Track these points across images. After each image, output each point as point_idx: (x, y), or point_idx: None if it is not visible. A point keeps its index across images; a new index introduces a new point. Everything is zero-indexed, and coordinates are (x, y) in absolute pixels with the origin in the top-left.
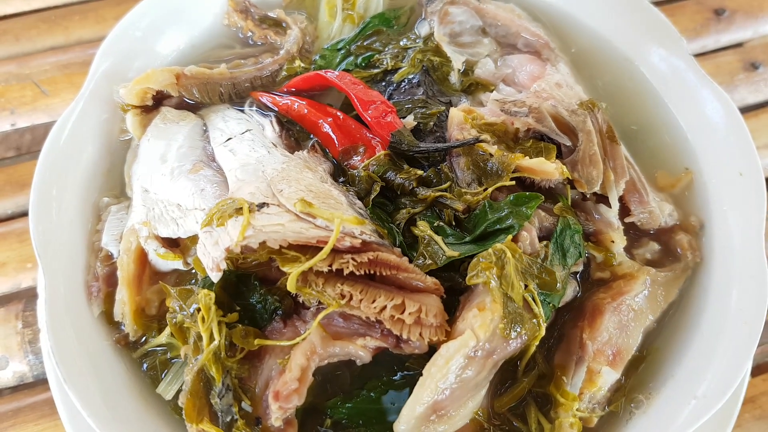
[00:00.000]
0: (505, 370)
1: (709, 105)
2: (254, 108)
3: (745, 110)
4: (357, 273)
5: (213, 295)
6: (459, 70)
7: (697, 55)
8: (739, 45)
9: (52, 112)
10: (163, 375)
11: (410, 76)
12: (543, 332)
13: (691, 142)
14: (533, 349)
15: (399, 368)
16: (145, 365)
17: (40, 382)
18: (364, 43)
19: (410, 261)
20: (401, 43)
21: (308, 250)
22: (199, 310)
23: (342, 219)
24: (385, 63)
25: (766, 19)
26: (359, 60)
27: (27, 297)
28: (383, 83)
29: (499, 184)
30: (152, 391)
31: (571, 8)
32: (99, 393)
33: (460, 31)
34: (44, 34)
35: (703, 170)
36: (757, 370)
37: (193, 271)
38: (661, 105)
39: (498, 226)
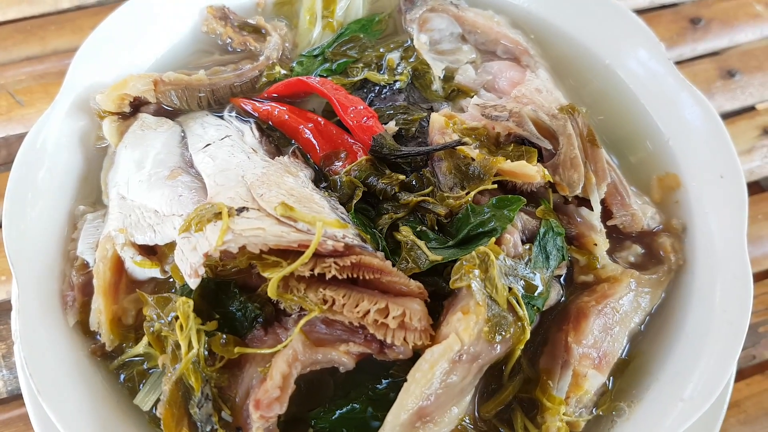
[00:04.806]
0: (491, 375)
1: (689, 109)
2: (234, 114)
3: (723, 117)
4: (339, 277)
5: (191, 302)
6: (439, 77)
7: (674, 64)
8: (715, 53)
9: (27, 123)
10: (141, 386)
11: (391, 83)
12: (528, 335)
13: (672, 146)
14: (518, 353)
15: (383, 376)
16: (122, 376)
17: (15, 398)
18: (340, 50)
19: (393, 266)
20: (380, 50)
21: (289, 254)
22: (177, 318)
23: (324, 222)
24: (363, 71)
25: (742, 28)
26: (334, 66)
27: (0, 311)
28: (364, 90)
29: (481, 188)
30: (130, 403)
31: (549, 15)
32: (74, 405)
33: (440, 38)
34: (20, 45)
35: (684, 173)
36: (740, 375)
37: (171, 279)
38: (641, 110)
39: (481, 230)
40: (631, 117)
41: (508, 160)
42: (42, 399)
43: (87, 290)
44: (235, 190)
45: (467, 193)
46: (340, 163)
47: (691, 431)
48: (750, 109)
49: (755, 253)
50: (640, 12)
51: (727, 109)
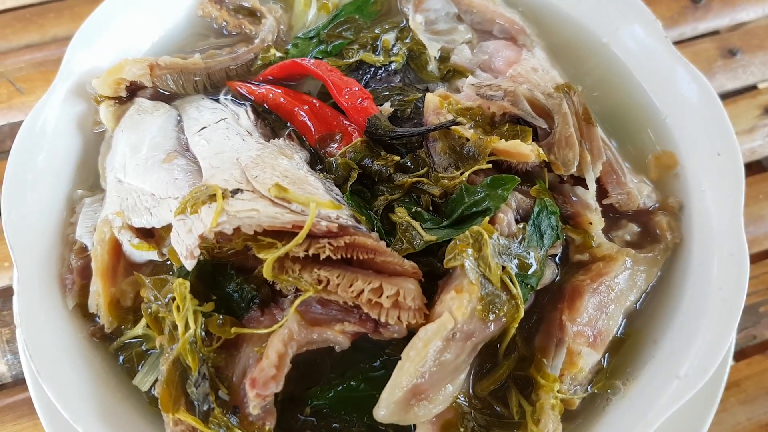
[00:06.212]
0: (486, 354)
1: (685, 86)
2: (229, 97)
3: (724, 97)
4: (334, 257)
5: (188, 283)
6: (435, 57)
7: (675, 43)
8: (716, 32)
9: (27, 110)
10: (140, 367)
11: (387, 64)
12: (522, 314)
13: (668, 124)
14: (513, 331)
15: (379, 355)
16: (121, 358)
17: (19, 383)
18: (336, 31)
19: (388, 246)
20: (375, 31)
21: (284, 236)
22: (173, 299)
23: (318, 203)
24: (359, 53)
25: (743, 7)
26: (329, 48)
27: (4, 296)
28: (360, 71)
29: (475, 168)
30: (129, 384)
31: None
32: (74, 386)
33: (436, 18)
34: (19, 33)
35: (681, 151)
36: (741, 355)
37: (169, 262)
38: (637, 87)
39: (475, 209)
40: (628, 95)
41: (503, 140)
42: (42, 380)
43: (86, 273)
44: (229, 172)
45: (462, 173)
46: (336, 145)
47: (690, 410)
48: (752, 88)
49: (756, 233)
50: None
51: (728, 88)
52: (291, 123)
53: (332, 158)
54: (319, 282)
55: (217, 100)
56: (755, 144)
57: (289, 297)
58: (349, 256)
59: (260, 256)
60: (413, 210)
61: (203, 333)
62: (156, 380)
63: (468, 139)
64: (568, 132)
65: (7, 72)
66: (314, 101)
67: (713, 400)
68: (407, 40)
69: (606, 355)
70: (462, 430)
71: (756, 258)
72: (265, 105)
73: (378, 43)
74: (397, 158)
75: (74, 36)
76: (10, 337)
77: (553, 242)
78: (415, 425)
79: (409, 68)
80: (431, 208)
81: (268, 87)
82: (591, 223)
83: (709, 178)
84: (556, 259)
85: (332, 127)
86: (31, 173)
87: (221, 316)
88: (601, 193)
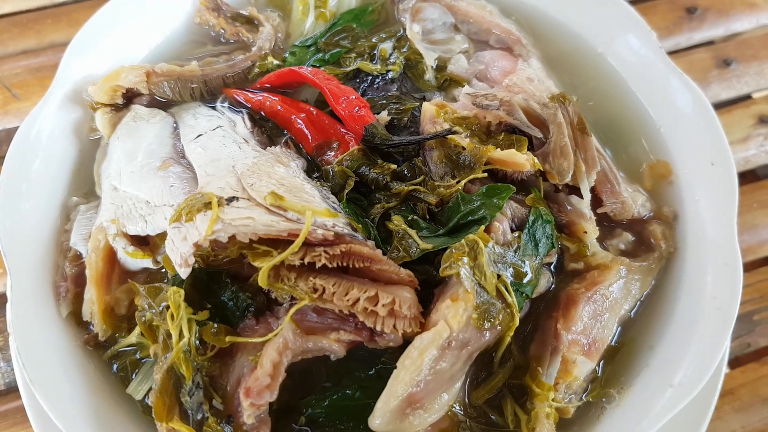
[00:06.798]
0: (481, 362)
1: (680, 96)
2: (226, 105)
3: (719, 106)
4: (330, 266)
5: (182, 292)
6: (432, 66)
7: (670, 53)
8: (711, 42)
9: (23, 116)
10: (134, 375)
11: (384, 73)
12: (517, 322)
13: (663, 134)
14: (508, 340)
15: (374, 364)
16: (115, 366)
17: (12, 390)
18: (333, 40)
19: (384, 254)
20: (373, 40)
21: (280, 244)
22: (168, 307)
23: (314, 211)
24: (356, 61)
25: (737, 17)
26: (327, 56)
27: None
28: (357, 80)
29: (471, 176)
30: (123, 393)
31: (541, 3)
32: (67, 395)
33: (433, 28)
34: (16, 38)
35: (675, 161)
36: (735, 363)
37: (164, 270)
38: (632, 97)
39: (470, 218)
40: (623, 105)
41: (498, 149)
42: (35, 389)
43: (80, 281)
44: (225, 180)
45: (458, 182)
46: (333, 153)
47: (684, 418)
48: (746, 97)
49: (750, 242)
50: (637, 1)
51: (722, 98)
52: (288, 131)
53: (329, 166)
54: (315, 290)
55: (214, 108)
56: (749, 153)
57: (284, 305)
58: (345, 264)
59: (256, 264)
60: (410, 218)
61: (197, 341)
62: (150, 389)
63: (464, 148)
64: (563, 141)
65: (3, 77)
66: (311, 109)
67: (708, 408)
68: (404, 50)
69: (601, 364)
70: None
71: (750, 266)
72: (262, 112)
73: (375, 52)
74: (393, 166)
75: (71, 42)
76: (3, 345)
77: (548, 251)
78: None
79: (406, 77)
80: (427, 217)
81: (266, 95)
82: (586, 232)
83: (704, 187)
84: (551, 267)
85: (329, 135)
86: (25, 180)
87: (216, 325)
88: (596, 202)
